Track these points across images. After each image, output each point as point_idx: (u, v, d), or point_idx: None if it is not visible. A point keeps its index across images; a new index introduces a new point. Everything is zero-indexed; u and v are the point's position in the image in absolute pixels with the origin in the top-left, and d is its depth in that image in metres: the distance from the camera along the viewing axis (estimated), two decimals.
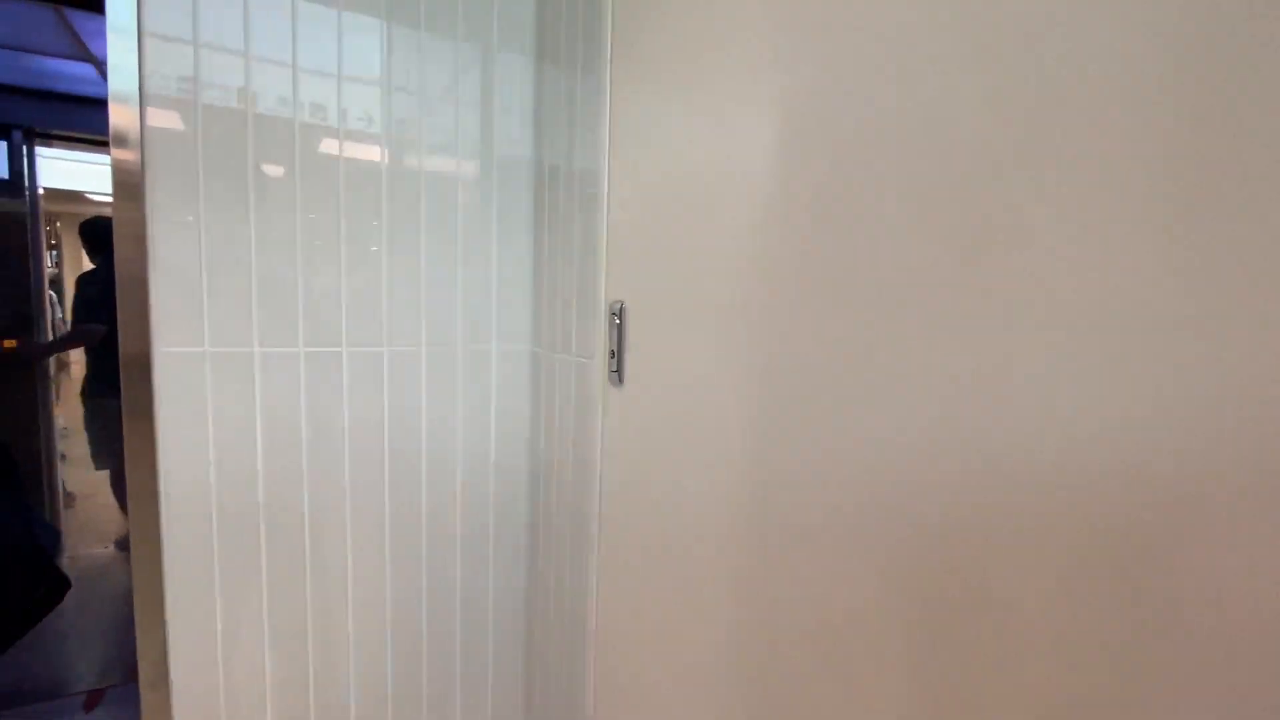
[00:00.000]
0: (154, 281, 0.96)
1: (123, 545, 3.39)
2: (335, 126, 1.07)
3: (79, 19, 2.34)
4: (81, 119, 3.06)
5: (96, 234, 3.12)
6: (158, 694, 1.02)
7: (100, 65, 2.73)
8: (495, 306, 1.23)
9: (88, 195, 5.16)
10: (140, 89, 0.93)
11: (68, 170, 4.29)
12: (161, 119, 0.94)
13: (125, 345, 0.96)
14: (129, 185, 0.94)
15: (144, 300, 0.96)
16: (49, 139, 3.11)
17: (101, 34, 2.44)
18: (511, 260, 1.23)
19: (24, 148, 2.99)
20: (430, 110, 1.14)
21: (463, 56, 1.15)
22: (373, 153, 1.10)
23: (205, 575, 1.05)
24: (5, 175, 2.92)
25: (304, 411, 1.09)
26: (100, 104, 3.09)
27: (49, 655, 2.44)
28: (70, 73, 2.82)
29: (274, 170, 1.03)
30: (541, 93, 1.20)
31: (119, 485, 3.25)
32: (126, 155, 0.93)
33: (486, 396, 1.24)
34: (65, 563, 3.17)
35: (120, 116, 0.92)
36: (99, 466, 3.22)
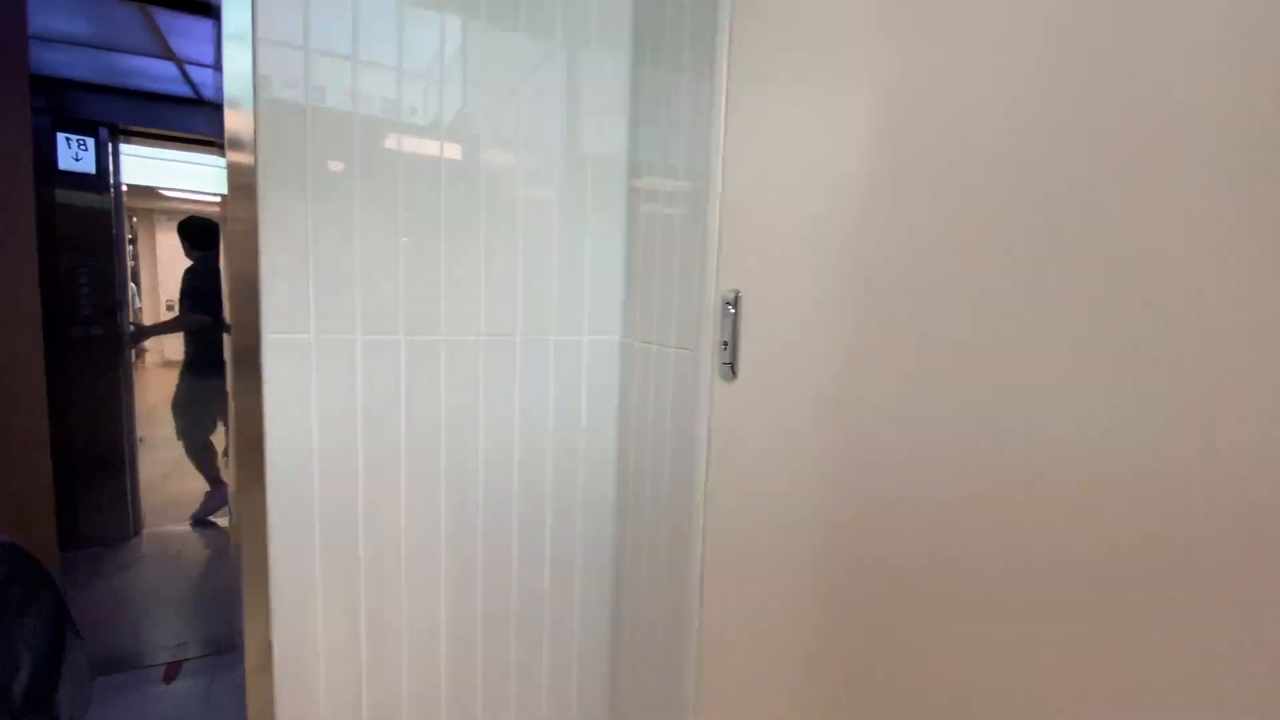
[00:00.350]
0: (264, 273, 0.96)
1: (198, 522, 3.50)
2: (437, 126, 1.05)
3: (164, 18, 2.38)
4: (162, 116, 3.13)
5: (195, 232, 3.32)
6: (263, 677, 1.02)
7: (182, 64, 2.78)
8: (587, 298, 1.20)
9: (162, 191, 5.34)
10: (254, 94, 0.92)
11: (144, 166, 4.46)
12: (274, 122, 0.94)
13: (236, 333, 0.96)
14: (243, 185, 0.94)
15: (254, 291, 0.95)
16: (129, 136, 3.19)
17: (184, 33, 2.48)
18: (603, 253, 1.20)
19: (109, 145, 3.07)
20: (527, 109, 1.11)
21: (559, 56, 1.13)
22: (470, 150, 1.08)
23: (307, 557, 1.04)
24: (92, 170, 3.01)
25: (403, 397, 1.07)
26: (180, 101, 3.18)
27: (129, 627, 2.51)
28: (152, 71, 2.88)
29: (377, 168, 1.02)
30: (638, 89, 1.17)
31: (199, 458, 3.51)
32: (241, 157, 0.93)
33: (576, 386, 1.21)
34: (144, 540, 3.28)
35: (235, 121, 0.92)
36: (183, 438, 3.47)
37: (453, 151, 1.07)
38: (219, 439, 3.59)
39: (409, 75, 1.02)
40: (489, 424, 1.15)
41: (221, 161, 4.08)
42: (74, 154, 2.98)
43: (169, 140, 3.26)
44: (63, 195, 2.95)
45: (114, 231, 3.12)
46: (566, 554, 1.25)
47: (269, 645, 1.02)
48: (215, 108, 3.19)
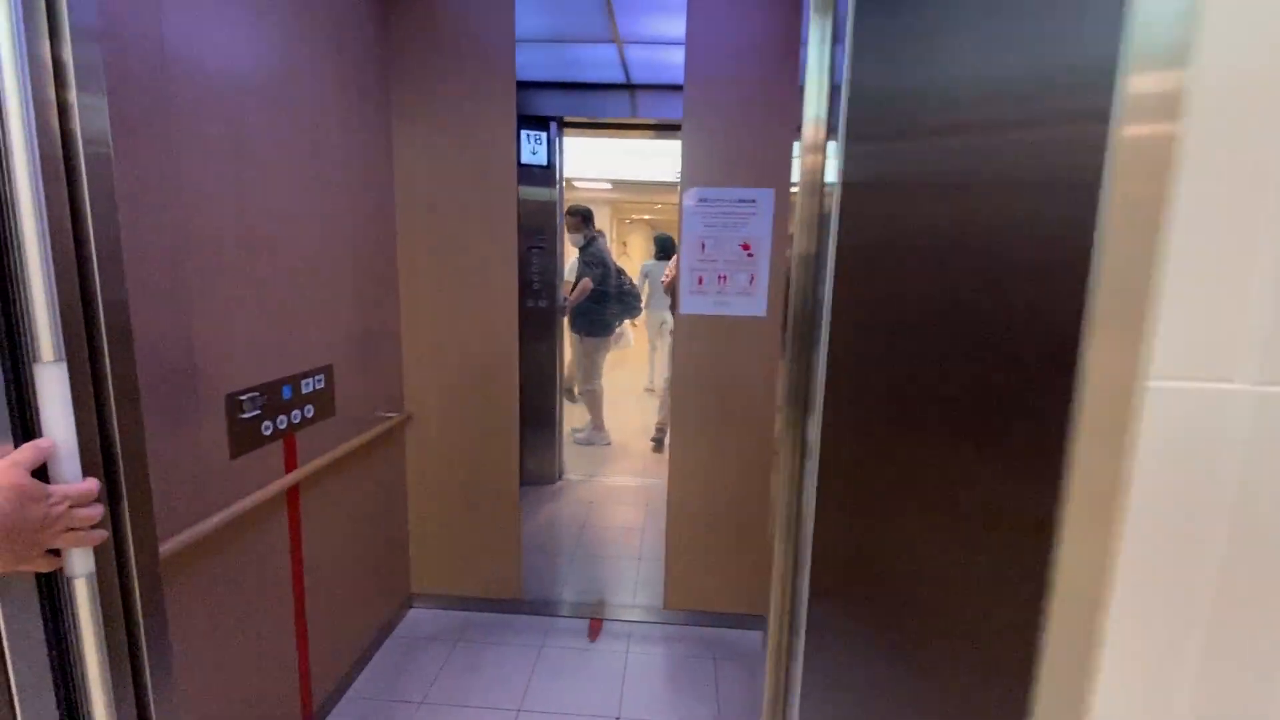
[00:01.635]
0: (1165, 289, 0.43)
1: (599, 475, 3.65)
2: None
3: None
4: (597, 105, 3.04)
5: (581, 219, 3.71)
6: None
7: (622, 44, 2.63)
8: None
9: (574, 181, 5.87)
10: None
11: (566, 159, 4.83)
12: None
13: (1095, 374, 0.45)
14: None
15: (1138, 315, 0.43)
16: (570, 128, 3.25)
17: (635, 9, 2.22)
18: None
19: (557, 139, 3.18)
20: None
21: None
22: None
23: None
24: (545, 163, 3.15)
25: None
26: (612, 88, 3.08)
27: (557, 571, 2.51)
28: (591, 58, 2.78)
29: None
30: None
31: (590, 401, 4.10)
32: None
33: None
34: (564, 484, 3.49)
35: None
36: (583, 384, 4.03)
37: None
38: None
39: None
40: None
41: (633, 146, 4.05)
42: (531, 148, 3.15)
43: (603, 128, 3.22)
44: (522, 188, 3.15)
45: (556, 218, 3.28)
46: None
47: None
48: (642, 89, 3.05)
